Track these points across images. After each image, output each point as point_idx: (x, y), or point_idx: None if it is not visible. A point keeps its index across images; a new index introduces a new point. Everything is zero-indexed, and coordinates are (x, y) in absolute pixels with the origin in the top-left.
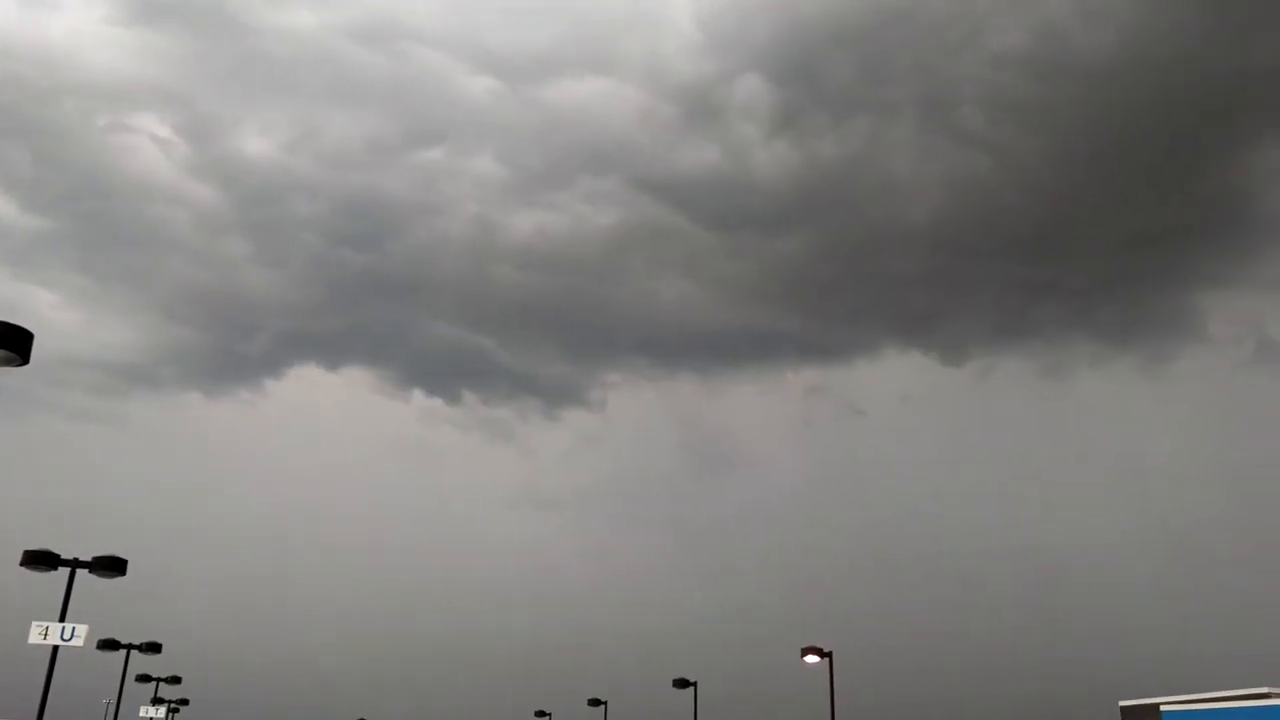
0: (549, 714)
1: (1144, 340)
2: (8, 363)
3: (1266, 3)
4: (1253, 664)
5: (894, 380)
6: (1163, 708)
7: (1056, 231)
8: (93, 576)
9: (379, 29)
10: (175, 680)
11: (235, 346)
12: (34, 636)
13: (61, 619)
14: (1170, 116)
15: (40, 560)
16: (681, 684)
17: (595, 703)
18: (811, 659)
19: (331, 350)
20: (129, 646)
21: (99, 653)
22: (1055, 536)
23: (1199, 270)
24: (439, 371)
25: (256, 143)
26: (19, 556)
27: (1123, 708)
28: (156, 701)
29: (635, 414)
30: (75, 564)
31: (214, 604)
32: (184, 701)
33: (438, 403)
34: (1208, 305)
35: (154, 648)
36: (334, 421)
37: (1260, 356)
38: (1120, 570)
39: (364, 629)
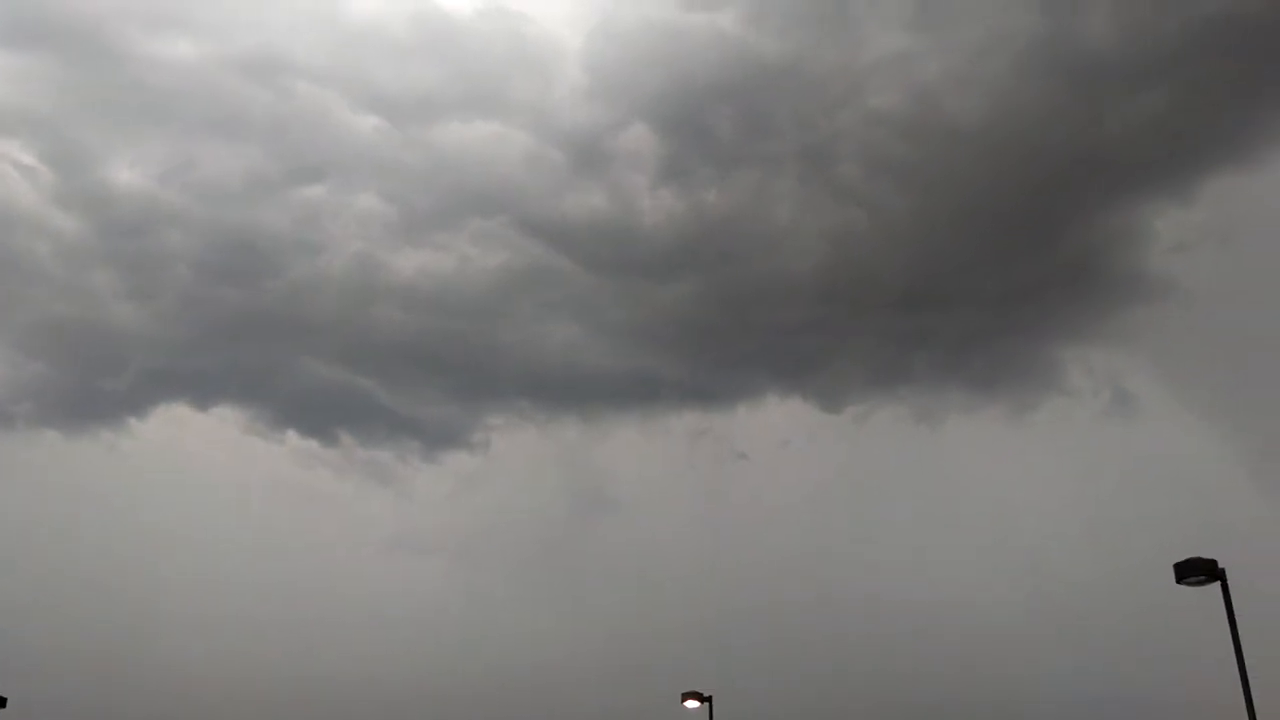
0: None
1: (1010, 390)
2: None
3: (1118, 78)
4: (1119, 708)
5: (775, 425)
6: None
7: (929, 285)
8: None
9: (262, 63)
10: None
11: (98, 383)
12: None
13: None
14: (1033, 180)
15: None
16: None
17: None
18: (691, 704)
19: (201, 388)
20: None
21: None
22: (927, 579)
23: (1059, 325)
24: (316, 412)
25: (128, 173)
26: None
27: None
28: None
29: (519, 457)
30: None
31: (66, 653)
32: None
33: (313, 444)
34: (1068, 358)
35: None
36: (202, 462)
37: (1116, 407)
38: (984, 613)
39: (231, 679)
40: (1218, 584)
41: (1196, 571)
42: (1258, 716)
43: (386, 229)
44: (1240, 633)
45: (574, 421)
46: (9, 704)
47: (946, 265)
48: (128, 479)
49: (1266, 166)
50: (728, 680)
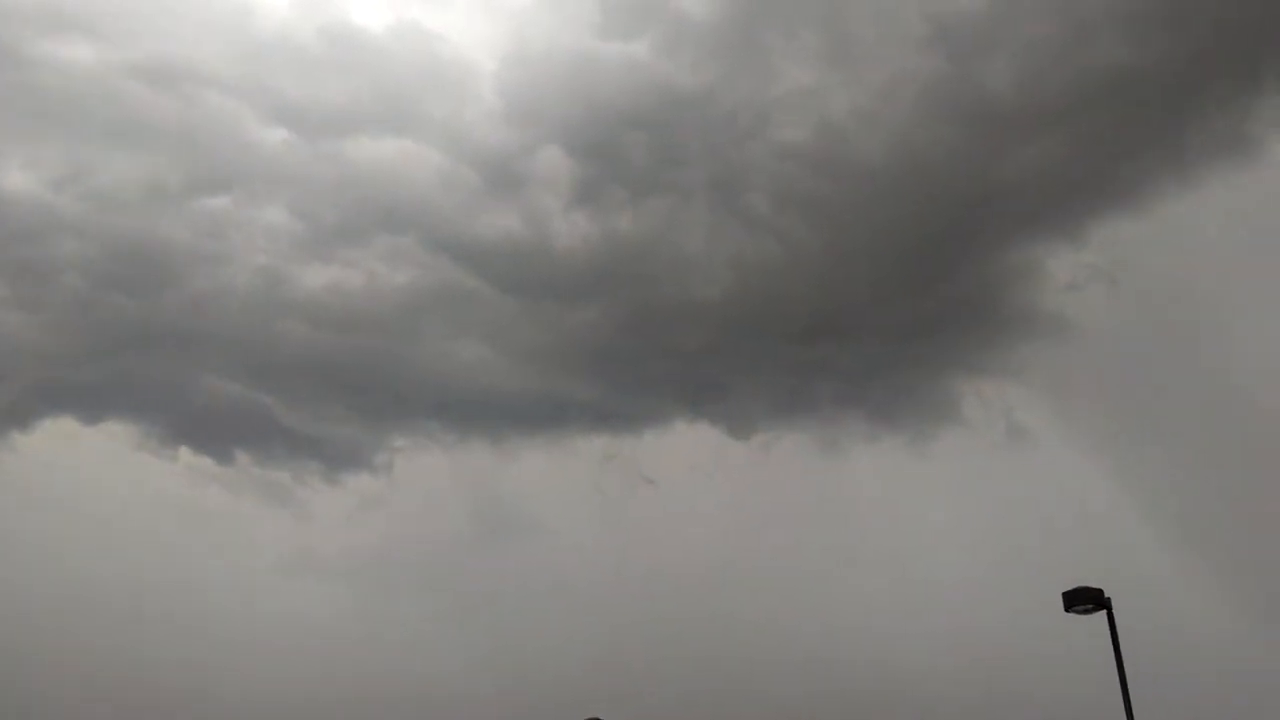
0: None
1: (910, 421)
2: None
3: (1016, 123)
4: None
5: (683, 451)
6: None
7: (834, 316)
8: None
9: (166, 70)
10: None
11: None
12: None
13: None
14: (934, 217)
15: None
16: None
17: None
18: None
19: (91, 402)
20: None
21: None
22: (828, 604)
23: (957, 358)
24: (211, 429)
25: (18, 178)
26: None
27: None
28: None
29: (424, 479)
30: None
31: None
32: None
33: (207, 461)
34: (964, 391)
35: None
36: (88, 478)
37: (1009, 439)
38: (879, 637)
39: (113, 703)
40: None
41: (1084, 600)
42: None
43: (293, 243)
44: (1125, 658)
45: (481, 444)
46: None
47: (850, 297)
48: (9, 494)
49: (1152, 212)
50: (633, 704)
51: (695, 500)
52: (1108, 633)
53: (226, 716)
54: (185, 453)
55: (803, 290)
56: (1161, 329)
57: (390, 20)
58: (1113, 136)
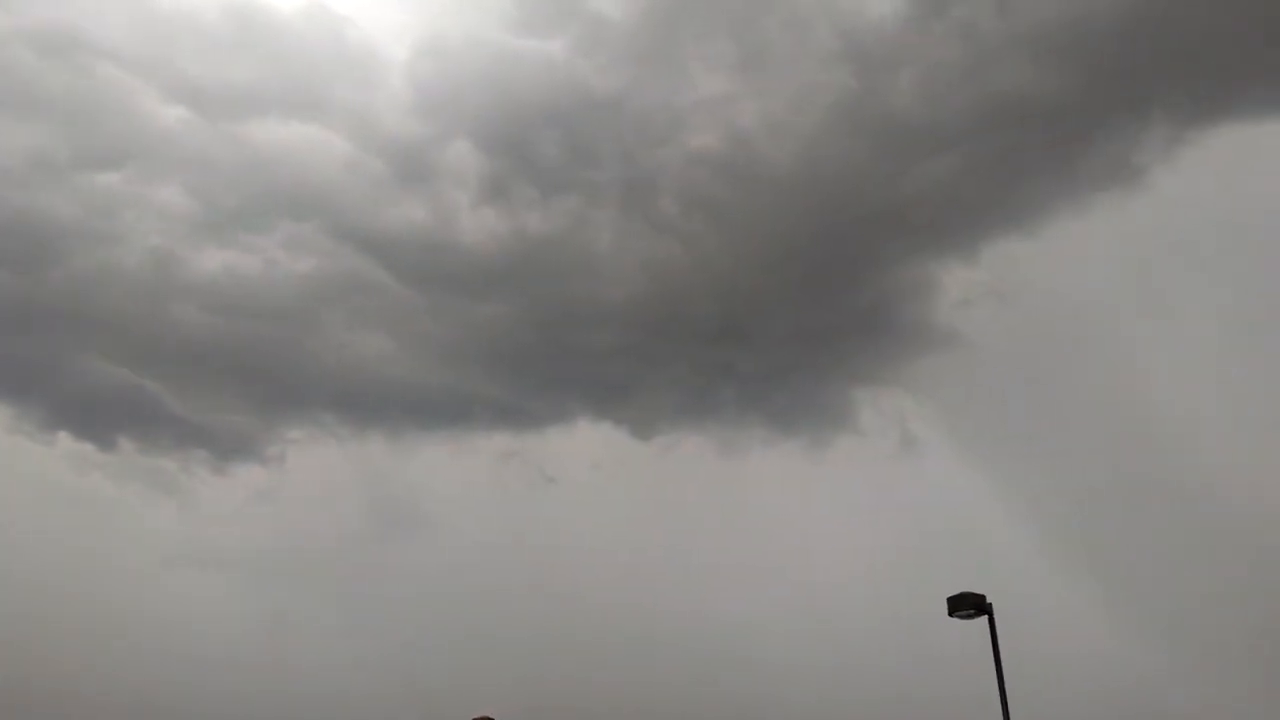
0: None
1: (807, 426)
2: None
3: (918, 142)
4: None
5: (586, 449)
6: None
7: (737, 320)
8: None
9: (59, 39)
10: None
11: None
12: None
13: None
14: (837, 228)
15: None
16: None
17: None
18: None
19: None
20: None
21: None
22: (724, 605)
23: (855, 367)
24: (94, 413)
25: None
26: None
27: None
28: None
29: (318, 472)
30: None
31: None
32: None
33: (88, 448)
34: (861, 400)
35: None
36: None
37: (902, 448)
38: (771, 637)
39: None
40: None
41: (967, 605)
42: None
43: (189, 224)
44: (1004, 662)
45: (379, 438)
46: None
47: (755, 303)
48: None
49: (1041, 234)
50: (526, 701)
51: (596, 499)
52: (989, 636)
53: (103, 714)
54: (65, 438)
55: (709, 294)
56: (1047, 346)
57: (300, 2)
58: (1009, 159)
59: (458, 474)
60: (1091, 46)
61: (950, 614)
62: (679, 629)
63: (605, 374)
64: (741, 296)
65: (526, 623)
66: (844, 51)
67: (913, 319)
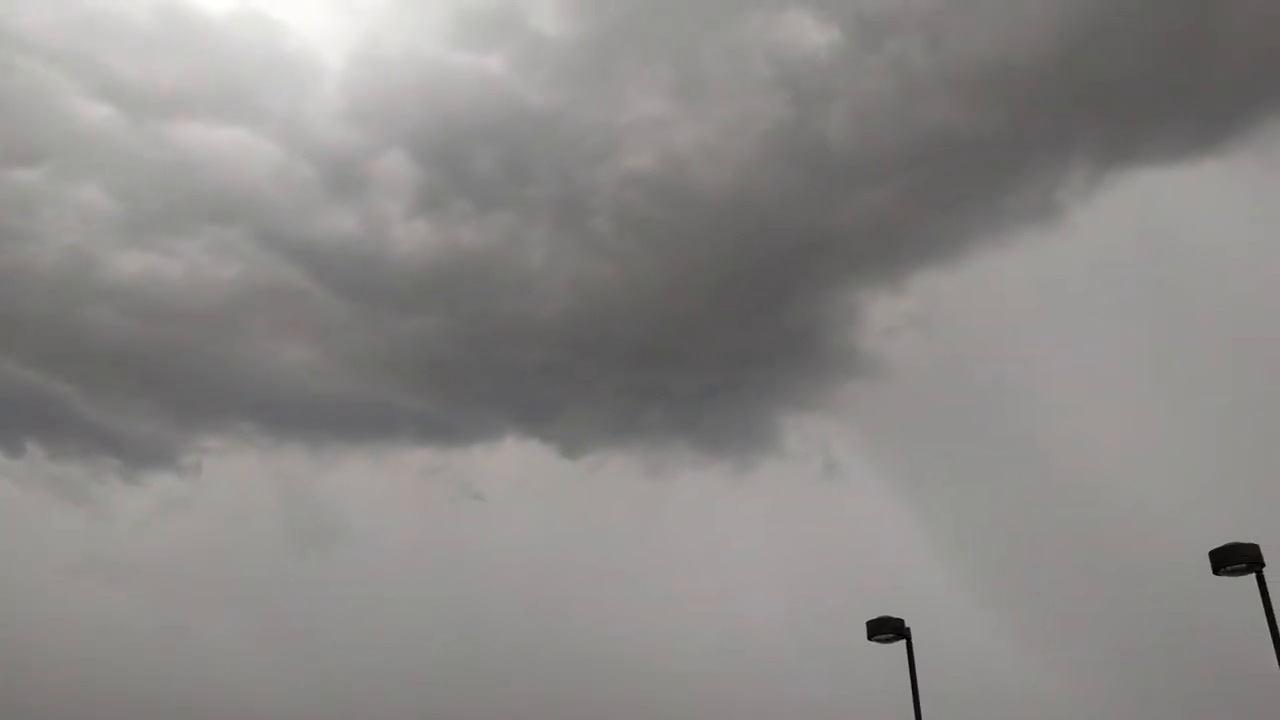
0: None
1: (734, 449)
2: None
3: (849, 172)
4: None
5: (513, 467)
6: None
7: (669, 342)
8: None
9: None
10: None
11: None
12: None
13: None
14: (768, 254)
15: None
16: None
17: None
18: None
19: None
20: None
21: None
22: (645, 626)
23: (782, 392)
24: (1, 417)
25: None
26: None
27: None
28: None
29: (235, 483)
30: None
31: None
32: None
33: None
34: (787, 424)
35: None
36: None
37: (826, 473)
38: (690, 659)
39: None
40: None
41: (886, 630)
42: None
43: (109, 225)
44: (920, 685)
45: (300, 449)
46: None
47: (685, 325)
48: None
49: (966, 267)
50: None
51: (522, 517)
52: (906, 661)
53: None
54: None
55: (640, 315)
56: (968, 376)
57: (232, 4)
58: (935, 193)
59: (380, 488)
60: (1017, 86)
61: (869, 638)
62: (601, 649)
63: (534, 391)
64: (672, 318)
65: (446, 640)
66: (779, 81)
67: (840, 345)
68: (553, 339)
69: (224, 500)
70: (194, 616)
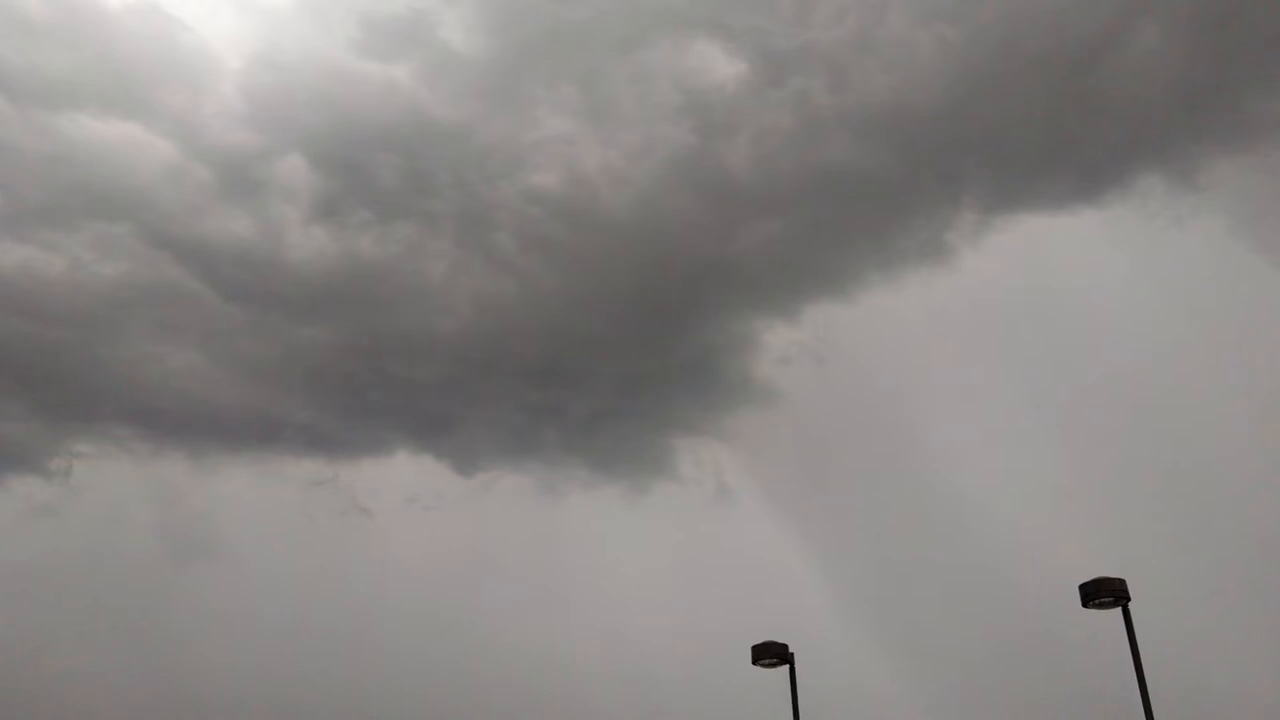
0: None
1: (628, 471)
2: None
3: (748, 203)
4: None
5: (404, 481)
6: None
7: (566, 362)
8: None
9: None
10: None
11: None
12: None
13: None
14: (669, 278)
15: None
16: None
17: None
18: None
19: None
20: None
21: None
22: (529, 643)
23: (677, 416)
24: None
25: None
26: None
27: None
28: None
29: (107, 489)
30: None
31: None
32: None
33: None
34: (680, 448)
35: None
36: None
37: (717, 498)
38: (577, 679)
39: None
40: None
41: (770, 655)
42: None
43: None
44: (802, 710)
45: (180, 456)
46: None
47: (583, 345)
48: None
49: (859, 300)
50: None
51: (411, 533)
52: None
53: None
54: None
55: (538, 333)
56: (857, 408)
57: None
58: (831, 227)
59: (263, 499)
60: (913, 129)
61: (754, 663)
62: (490, 667)
63: (429, 406)
64: (571, 338)
65: (326, 659)
66: (686, 109)
67: (735, 372)
68: (450, 354)
69: (95, 507)
70: (56, 632)
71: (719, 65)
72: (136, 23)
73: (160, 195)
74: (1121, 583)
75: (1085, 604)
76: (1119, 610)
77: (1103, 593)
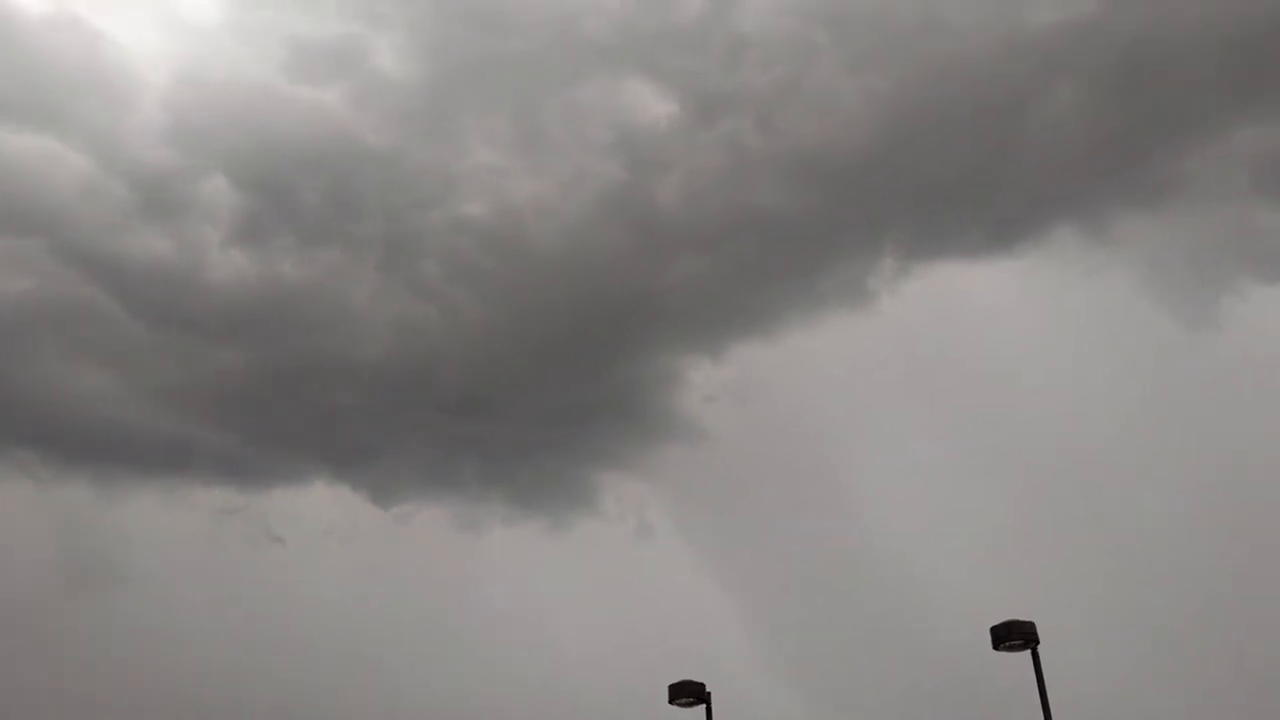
0: None
1: (549, 506)
2: None
3: (677, 240)
4: None
5: (319, 512)
6: None
7: (490, 394)
8: None
9: None
10: None
11: None
12: None
13: None
14: (595, 313)
15: None
16: None
17: None
18: None
19: None
20: None
21: None
22: (451, 682)
23: (600, 452)
24: None
25: None
26: None
27: None
28: None
29: (6, 515)
30: None
31: None
32: None
33: None
34: (604, 484)
35: None
36: None
37: (638, 535)
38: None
39: None
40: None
41: (687, 694)
42: None
43: None
44: None
45: (85, 481)
46: None
47: (507, 378)
48: None
49: (783, 341)
50: None
51: (326, 564)
52: None
53: None
54: None
55: (462, 364)
56: (778, 448)
57: (49, 8)
58: (757, 268)
59: (172, 527)
60: (837, 175)
61: (670, 701)
62: (402, 701)
63: (347, 435)
64: (495, 369)
65: (234, 691)
66: (617, 145)
67: (659, 409)
68: (370, 382)
69: None
70: None
71: (651, 104)
72: (56, 34)
73: (74, 211)
74: (1031, 625)
75: (996, 646)
76: (1029, 653)
77: (1013, 635)
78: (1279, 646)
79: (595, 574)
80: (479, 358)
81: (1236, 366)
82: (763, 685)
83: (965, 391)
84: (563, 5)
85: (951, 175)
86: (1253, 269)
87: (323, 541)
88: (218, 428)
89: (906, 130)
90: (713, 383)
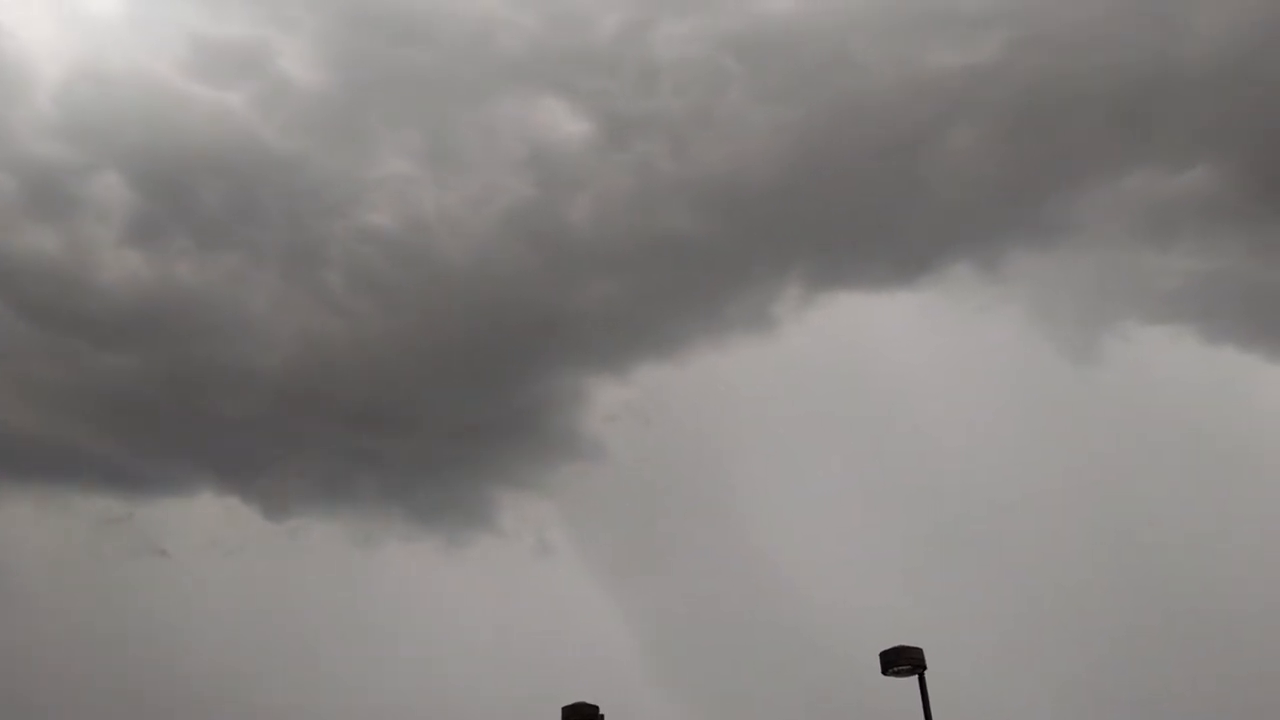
0: None
1: (448, 523)
2: None
3: (585, 260)
4: None
5: (206, 524)
6: None
7: (389, 407)
8: None
9: None
10: None
11: None
12: None
13: None
14: (502, 329)
15: None
16: None
17: None
18: None
19: None
20: None
21: None
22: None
23: (501, 469)
24: None
25: None
26: None
27: None
28: None
29: None
30: None
31: None
32: None
33: None
34: (504, 502)
35: None
36: None
37: (537, 554)
38: None
39: None
40: None
41: (579, 717)
42: None
43: None
44: None
45: None
46: None
47: (408, 391)
48: None
49: (687, 363)
50: None
51: (212, 579)
52: None
53: None
54: None
55: (363, 376)
56: (679, 469)
57: None
58: (664, 291)
59: (47, 537)
60: (746, 203)
61: None
62: None
63: (239, 445)
64: (397, 382)
65: (104, 707)
66: (529, 162)
67: (562, 428)
68: (267, 391)
69: None
70: None
71: (564, 123)
72: None
73: None
74: (919, 651)
75: (885, 671)
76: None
77: (901, 660)
78: (1167, 673)
79: (492, 592)
80: (381, 371)
81: (1116, 398)
82: (656, 706)
83: (864, 420)
84: (477, 20)
85: (857, 208)
86: (1136, 310)
87: (208, 555)
88: (103, 434)
89: (815, 162)
90: (616, 402)
